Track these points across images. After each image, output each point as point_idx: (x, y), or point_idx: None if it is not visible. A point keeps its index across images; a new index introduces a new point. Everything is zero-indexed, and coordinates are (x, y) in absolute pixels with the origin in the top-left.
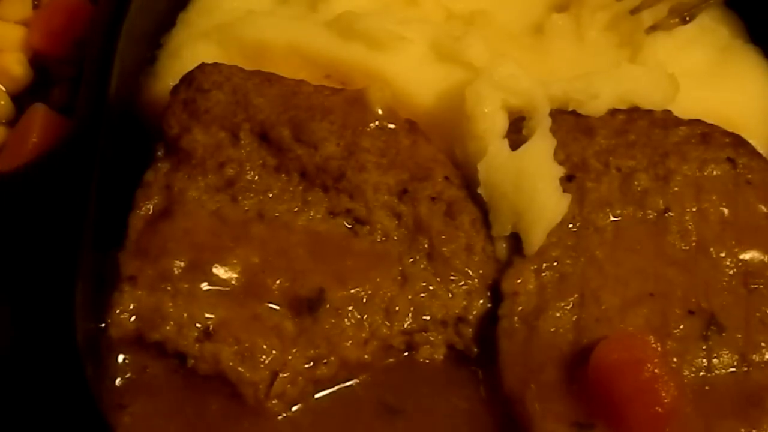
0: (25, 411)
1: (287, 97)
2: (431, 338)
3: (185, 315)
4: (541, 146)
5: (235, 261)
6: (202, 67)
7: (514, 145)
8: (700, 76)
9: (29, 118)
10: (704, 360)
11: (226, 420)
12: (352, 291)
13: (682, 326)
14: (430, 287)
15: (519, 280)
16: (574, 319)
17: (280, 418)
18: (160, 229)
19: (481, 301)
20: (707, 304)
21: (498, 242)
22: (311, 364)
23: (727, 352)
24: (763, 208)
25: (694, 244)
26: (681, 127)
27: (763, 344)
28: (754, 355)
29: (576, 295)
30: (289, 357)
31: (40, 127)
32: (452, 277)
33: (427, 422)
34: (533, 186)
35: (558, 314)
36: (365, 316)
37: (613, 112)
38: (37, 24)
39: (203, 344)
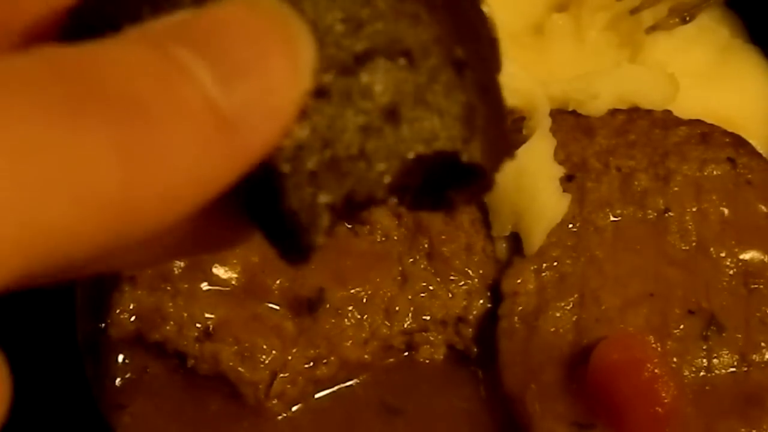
0: (25, 411)
1: None
2: (431, 338)
3: (185, 315)
4: (541, 146)
5: (234, 261)
6: None
7: (514, 145)
8: (700, 76)
9: None
10: (704, 360)
11: (226, 420)
12: (352, 291)
13: (682, 326)
14: (430, 287)
15: (519, 280)
16: (574, 319)
17: (280, 418)
18: None
19: (481, 301)
20: (707, 304)
21: (498, 242)
22: (311, 364)
23: (727, 352)
24: (763, 208)
25: (694, 244)
26: (681, 127)
27: (763, 344)
28: (754, 355)
29: (576, 295)
30: (289, 357)
31: None
32: (452, 277)
33: (427, 422)
34: (533, 186)
35: (558, 314)
36: (365, 316)
37: (613, 112)
38: None
39: (203, 344)
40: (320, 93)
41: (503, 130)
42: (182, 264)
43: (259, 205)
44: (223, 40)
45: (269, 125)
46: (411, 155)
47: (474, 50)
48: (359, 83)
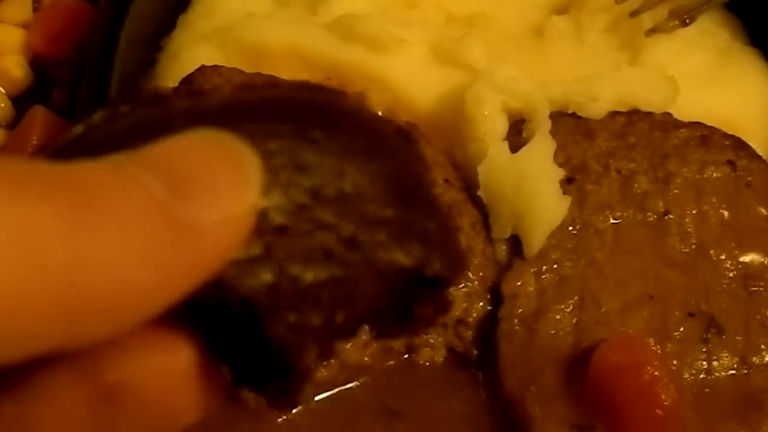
0: None
1: None
2: (431, 340)
3: None
4: (541, 149)
5: None
6: (202, 69)
7: (514, 147)
8: (700, 79)
9: (29, 121)
10: (704, 362)
11: (226, 422)
12: None
13: (682, 328)
14: None
15: (519, 283)
16: (574, 321)
17: (280, 420)
18: None
19: (481, 304)
20: (707, 306)
21: (498, 244)
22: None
23: (727, 354)
24: (763, 211)
25: (693, 246)
26: (681, 130)
27: (763, 347)
28: (754, 358)
29: (576, 298)
30: None
31: (40, 129)
32: None
33: (426, 424)
34: (533, 188)
35: (558, 317)
36: None
37: (613, 115)
38: (37, 26)
39: None
40: (281, 230)
41: (455, 242)
42: None
43: (237, 343)
44: (175, 159)
45: (220, 231)
46: (378, 278)
47: (414, 176)
48: (316, 217)
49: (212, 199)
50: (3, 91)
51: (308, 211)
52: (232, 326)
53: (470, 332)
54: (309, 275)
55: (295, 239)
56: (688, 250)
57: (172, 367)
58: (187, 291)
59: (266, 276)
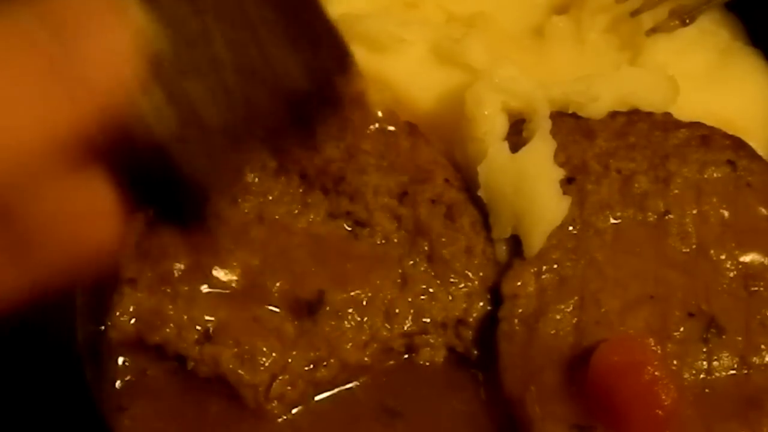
0: (25, 413)
1: None
2: (431, 341)
3: (185, 317)
4: (542, 149)
5: (235, 263)
6: None
7: (514, 147)
8: (700, 79)
9: None
10: (704, 362)
11: (226, 422)
12: (352, 293)
13: (682, 329)
14: (430, 290)
15: (519, 283)
16: (574, 321)
17: (280, 420)
18: (161, 231)
19: (481, 304)
20: (707, 306)
21: (498, 244)
22: (311, 366)
23: (727, 354)
24: (763, 211)
25: (694, 246)
26: (681, 130)
27: (763, 347)
28: (754, 358)
29: (576, 298)
30: (289, 359)
31: None
32: (452, 280)
33: (427, 424)
34: (533, 188)
35: (558, 317)
36: (365, 319)
37: (614, 115)
38: None
39: (203, 346)
40: (180, 72)
41: (339, 39)
42: (182, 266)
43: (154, 181)
44: (62, 10)
45: (107, 70)
46: (273, 95)
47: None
48: (211, 50)
49: (97, 39)
50: None
51: (204, 45)
52: (142, 164)
53: (470, 332)
54: (211, 111)
55: (194, 76)
56: (688, 250)
57: (83, 189)
58: (84, 131)
59: (173, 120)
